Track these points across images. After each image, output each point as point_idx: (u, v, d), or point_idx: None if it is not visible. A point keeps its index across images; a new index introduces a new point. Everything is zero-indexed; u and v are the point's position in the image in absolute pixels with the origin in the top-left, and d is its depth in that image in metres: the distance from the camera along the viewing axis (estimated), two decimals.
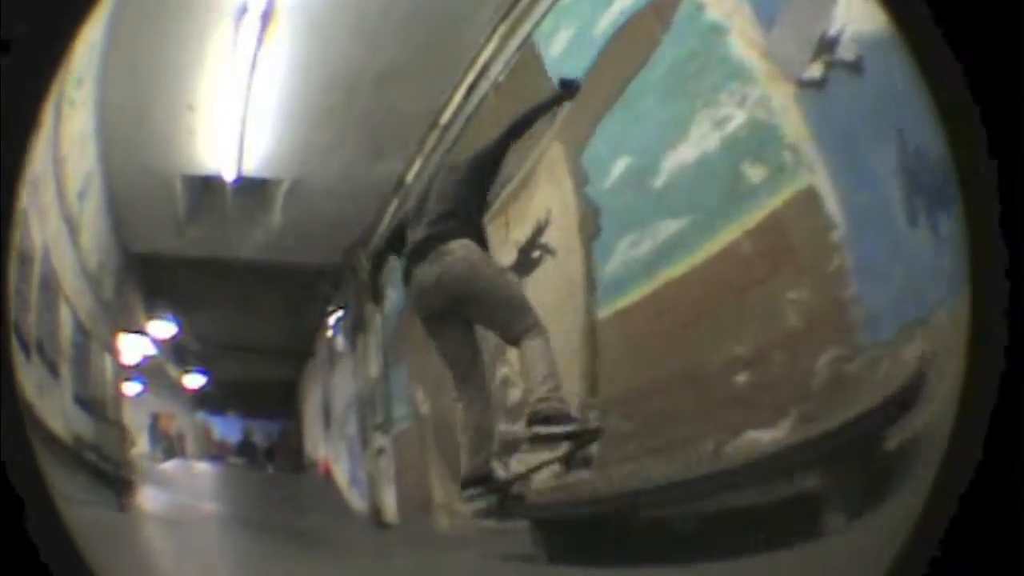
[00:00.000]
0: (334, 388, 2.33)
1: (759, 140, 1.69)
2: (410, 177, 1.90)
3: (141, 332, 2.24)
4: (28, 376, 2.19)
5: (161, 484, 2.34)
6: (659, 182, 1.59)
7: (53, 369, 2.13)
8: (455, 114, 1.85)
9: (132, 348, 2.28)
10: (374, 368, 2.16)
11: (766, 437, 1.48)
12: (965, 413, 0.94)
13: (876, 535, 1.32)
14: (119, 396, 2.23)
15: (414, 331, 1.98)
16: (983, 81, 0.94)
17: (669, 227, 1.56)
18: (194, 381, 2.27)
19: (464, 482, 1.84)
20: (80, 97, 2.09)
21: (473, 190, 1.83)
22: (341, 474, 2.36)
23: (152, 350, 2.24)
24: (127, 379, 2.24)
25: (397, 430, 2.20)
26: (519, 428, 1.75)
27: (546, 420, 1.72)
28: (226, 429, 2.44)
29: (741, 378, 1.48)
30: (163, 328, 2.28)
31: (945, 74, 1.05)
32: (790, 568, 1.50)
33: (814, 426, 1.60)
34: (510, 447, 1.80)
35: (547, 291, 1.66)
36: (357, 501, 2.34)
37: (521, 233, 1.76)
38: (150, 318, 2.25)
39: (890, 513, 1.39)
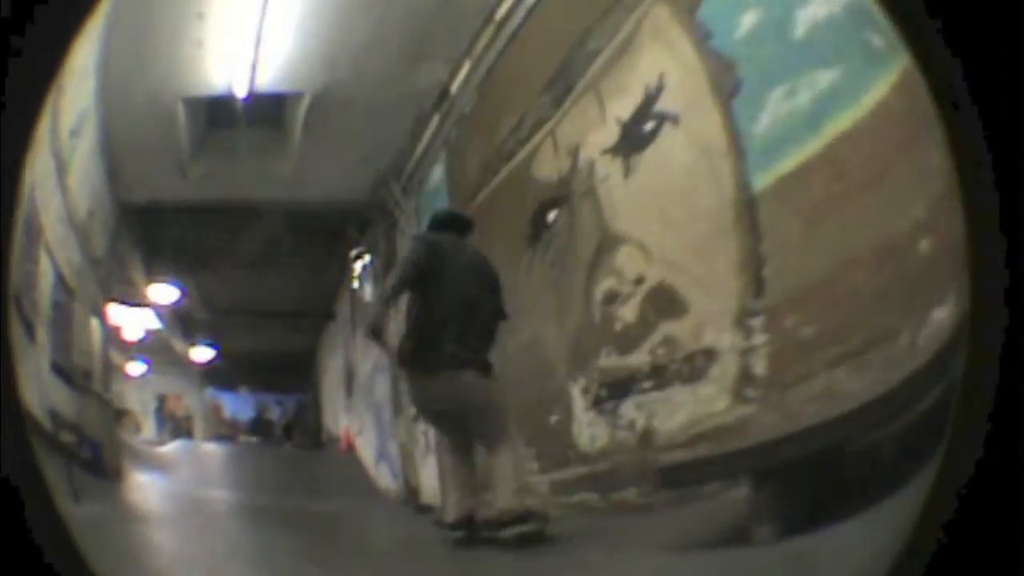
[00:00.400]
0: (358, 350, 1.97)
1: (870, 12, 1.45)
2: (455, 86, 1.52)
3: (138, 299, 1.96)
4: (10, 337, 1.84)
5: (159, 470, 2.05)
6: (799, 32, 1.36)
7: (29, 330, 1.82)
8: (513, 6, 1.48)
9: (131, 321, 1.99)
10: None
11: (944, 316, 1.24)
12: (965, 413, 0.88)
13: (876, 534, 1.14)
14: (109, 371, 1.95)
15: None
16: (983, 81, 0.88)
17: (825, 76, 1.32)
18: (201, 354, 2.02)
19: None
20: (91, 25, 1.79)
21: None
22: (367, 449, 1.98)
23: (154, 323, 1.97)
24: (126, 356, 1.99)
25: None
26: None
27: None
28: (237, 406, 2.18)
29: (923, 245, 1.11)
30: (165, 293, 2.00)
31: (946, 75, 0.97)
32: (789, 566, 1.29)
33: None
34: None
35: (673, 167, 1.26)
36: (387, 479, 1.83)
37: (623, 106, 1.43)
38: (150, 281, 1.94)
39: (892, 511, 1.20)
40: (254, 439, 2.14)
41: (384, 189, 1.74)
